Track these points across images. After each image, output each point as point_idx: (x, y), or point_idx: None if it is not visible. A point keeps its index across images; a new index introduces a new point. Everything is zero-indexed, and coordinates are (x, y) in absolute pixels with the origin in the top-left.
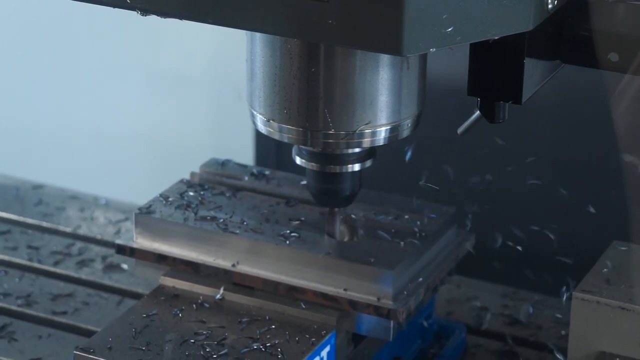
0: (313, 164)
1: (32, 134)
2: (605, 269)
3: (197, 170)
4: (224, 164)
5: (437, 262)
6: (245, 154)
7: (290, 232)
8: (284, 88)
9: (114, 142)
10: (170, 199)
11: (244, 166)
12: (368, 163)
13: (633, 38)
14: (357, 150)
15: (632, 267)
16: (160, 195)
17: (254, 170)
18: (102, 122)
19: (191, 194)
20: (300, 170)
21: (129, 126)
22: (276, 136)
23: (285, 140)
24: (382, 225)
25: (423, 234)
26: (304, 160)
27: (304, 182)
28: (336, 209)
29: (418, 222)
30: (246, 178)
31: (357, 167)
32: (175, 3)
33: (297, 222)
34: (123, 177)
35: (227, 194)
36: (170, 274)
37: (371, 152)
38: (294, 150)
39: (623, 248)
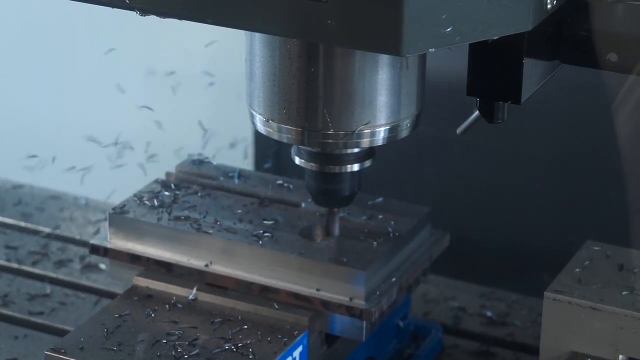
0: (312, 164)
1: (31, 135)
2: (577, 269)
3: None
4: (200, 163)
5: (411, 262)
6: (244, 154)
7: (264, 232)
8: (283, 88)
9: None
10: (144, 199)
11: (219, 166)
12: (367, 163)
13: (632, 38)
14: (356, 150)
15: (604, 267)
16: (135, 195)
17: (230, 170)
18: (100, 122)
19: (166, 193)
20: (299, 170)
21: (129, 126)
22: (275, 136)
23: (285, 141)
24: (356, 225)
25: (396, 233)
26: (303, 161)
27: (279, 182)
28: (335, 209)
29: (392, 222)
30: (221, 178)
31: (356, 167)
32: (174, 3)
33: (271, 222)
34: (120, 178)
35: (201, 194)
36: (143, 274)
37: (370, 152)
38: (293, 150)
39: (596, 248)
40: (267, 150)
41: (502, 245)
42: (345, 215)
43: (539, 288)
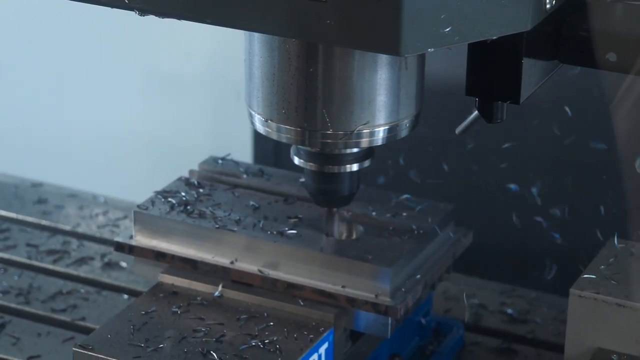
0: (311, 164)
1: (31, 133)
2: (602, 266)
3: (195, 168)
4: (223, 161)
5: (435, 259)
6: (243, 154)
7: (289, 230)
8: (282, 88)
9: (113, 141)
10: (169, 197)
11: (243, 164)
12: (366, 163)
13: (631, 38)
14: (355, 150)
15: (629, 263)
16: (159, 192)
17: (253, 168)
18: (102, 122)
19: (190, 191)
20: (298, 170)
21: (128, 126)
22: (274, 136)
23: (284, 141)
24: (380, 222)
25: (421, 231)
26: (302, 161)
27: (302, 180)
28: (334, 209)
29: (416, 220)
30: (244, 176)
31: (355, 167)
32: (174, 3)
33: (295, 220)
34: (122, 176)
35: (225, 192)
36: (169, 271)
37: (369, 152)
38: (292, 150)
39: (620, 245)
40: (265, 150)
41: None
42: (370, 213)
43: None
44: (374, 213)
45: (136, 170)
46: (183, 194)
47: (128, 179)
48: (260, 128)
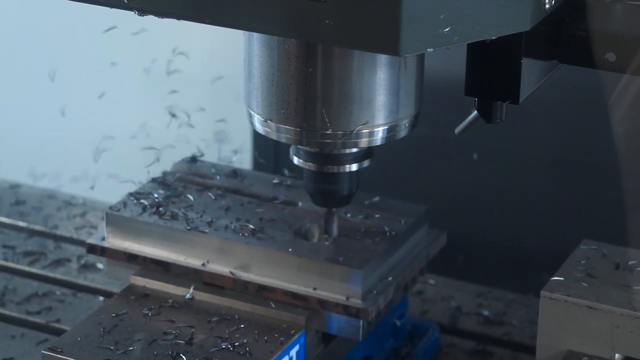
0: (310, 164)
1: (25, 133)
2: (573, 268)
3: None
4: (197, 162)
5: (408, 261)
6: (243, 154)
7: (261, 231)
8: (281, 88)
9: (110, 143)
10: (141, 198)
11: (216, 165)
12: (366, 163)
13: (630, 38)
14: (354, 150)
15: (600, 266)
16: (132, 194)
17: (226, 169)
18: (99, 122)
19: (163, 192)
20: (298, 170)
21: (125, 126)
22: (274, 136)
23: (283, 140)
24: (353, 224)
25: (393, 233)
26: (301, 161)
27: (276, 181)
28: (334, 209)
29: (388, 221)
30: (218, 177)
31: (354, 167)
32: (173, 3)
33: (268, 221)
34: (119, 177)
35: (198, 193)
36: (140, 273)
37: (369, 152)
38: (292, 150)
39: (592, 247)
40: (265, 151)
41: (500, 244)
42: (342, 214)
43: (536, 287)
44: (347, 214)
45: (133, 171)
46: (156, 195)
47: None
48: (260, 128)
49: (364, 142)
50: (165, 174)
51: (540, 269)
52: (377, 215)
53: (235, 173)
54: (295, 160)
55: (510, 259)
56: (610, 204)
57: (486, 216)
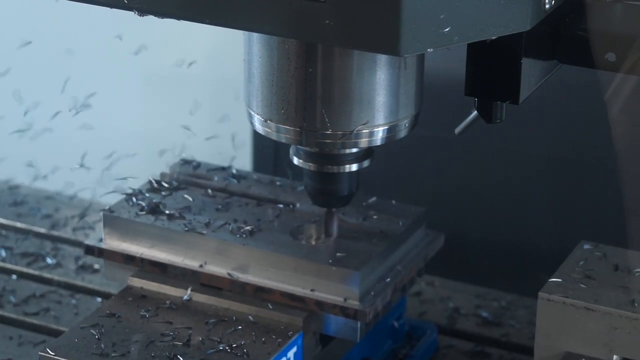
0: (310, 164)
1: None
2: (572, 269)
3: (172, 167)
4: (195, 164)
5: (406, 262)
6: (243, 154)
7: (259, 233)
8: (281, 88)
9: (109, 143)
10: (138, 199)
11: (214, 166)
12: (365, 163)
13: (630, 38)
14: (354, 150)
15: (599, 267)
16: (129, 195)
17: (224, 170)
18: (98, 123)
19: (160, 194)
20: (298, 170)
21: (125, 127)
22: (274, 136)
23: (283, 141)
24: (350, 225)
25: (391, 234)
26: (301, 161)
27: (274, 182)
28: (334, 210)
29: (386, 223)
30: (215, 178)
31: (354, 167)
32: (173, 3)
33: (266, 223)
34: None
35: (196, 194)
36: (138, 274)
37: (368, 152)
38: (292, 150)
39: (591, 248)
40: (265, 151)
41: (498, 245)
42: (340, 215)
43: (535, 288)
44: (344, 215)
45: (133, 171)
46: (153, 196)
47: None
48: (260, 128)
49: (364, 142)
50: (163, 175)
51: (538, 269)
52: (375, 217)
53: (232, 174)
54: (295, 160)
55: (509, 259)
56: (610, 204)
57: (485, 216)
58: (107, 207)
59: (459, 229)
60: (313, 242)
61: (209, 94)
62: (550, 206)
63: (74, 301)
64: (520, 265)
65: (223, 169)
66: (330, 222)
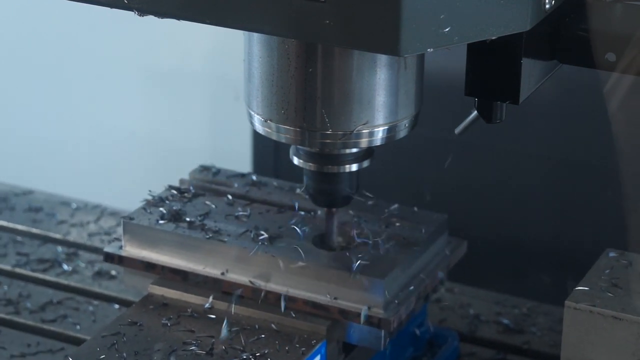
0: (310, 164)
1: (25, 138)
2: (598, 277)
3: (191, 173)
4: (214, 170)
5: (429, 270)
6: (243, 155)
7: (280, 240)
8: (281, 88)
9: (110, 144)
10: (159, 206)
11: (234, 173)
12: (365, 163)
13: (630, 38)
14: (354, 150)
15: (625, 275)
16: (149, 202)
17: (244, 177)
18: (98, 124)
19: (180, 200)
20: (298, 170)
21: (125, 128)
22: (274, 136)
23: (283, 141)
24: (373, 233)
25: (414, 241)
26: (301, 161)
27: (295, 189)
28: (334, 210)
29: (408, 230)
30: (236, 185)
31: (354, 167)
32: (173, 3)
33: (287, 230)
34: (119, 180)
35: (216, 201)
36: (159, 282)
37: (369, 152)
38: (292, 150)
39: (617, 256)
40: (265, 151)
41: (499, 245)
42: (362, 223)
43: (533, 288)
44: (366, 223)
45: (133, 173)
46: (173, 203)
47: (126, 180)
48: (260, 128)
49: (364, 142)
50: (182, 181)
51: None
52: (397, 224)
53: (253, 181)
54: (295, 160)
55: (509, 259)
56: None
57: (485, 216)
58: (127, 215)
59: (459, 229)
60: (336, 250)
61: (209, 94)
62: (550, 206)
63: (91, 308)
64: (520, 265)
65: (243, 175)
66: (330, 223)
